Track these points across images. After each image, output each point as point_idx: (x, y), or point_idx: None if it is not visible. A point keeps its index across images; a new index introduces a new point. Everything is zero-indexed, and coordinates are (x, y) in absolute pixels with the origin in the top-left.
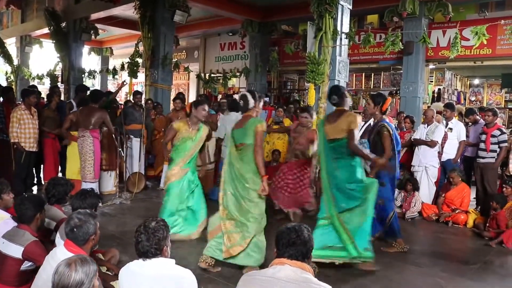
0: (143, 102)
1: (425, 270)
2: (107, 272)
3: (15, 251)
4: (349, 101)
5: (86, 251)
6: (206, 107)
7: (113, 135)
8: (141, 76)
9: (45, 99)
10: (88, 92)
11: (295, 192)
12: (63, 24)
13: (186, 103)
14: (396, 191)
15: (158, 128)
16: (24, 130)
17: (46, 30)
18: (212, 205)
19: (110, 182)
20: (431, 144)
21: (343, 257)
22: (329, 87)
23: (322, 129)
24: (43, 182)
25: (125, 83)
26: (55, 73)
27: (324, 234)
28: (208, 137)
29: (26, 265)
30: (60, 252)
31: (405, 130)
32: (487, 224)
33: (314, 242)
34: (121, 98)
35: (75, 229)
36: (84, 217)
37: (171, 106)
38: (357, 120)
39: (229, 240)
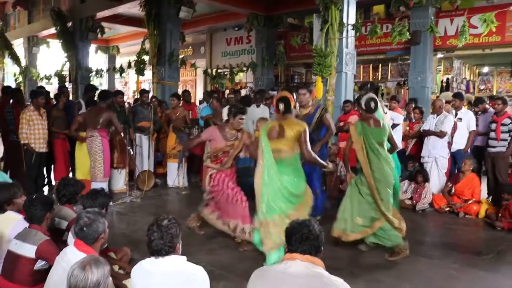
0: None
1: (436, 261)
2: (119, 270)
3: (28, 250)
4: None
5: (96, 249)
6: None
7: (122, 134)
8: (148, 73)
9: (53, 100)
10: (97, 92)
11: None
12: (69, 24)
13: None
14: (406, 182)
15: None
16: (34, 131)
17: (52, 30)
18: None
19: (121, 180)
20: (440, 134)
21: None
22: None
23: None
24: (53, 183)
25: None
26: (62, 73)
27: None
28: None
29: (40, 264)
30: (70, 252)
31: (414, 120)
32: (499, 214)
33: None
34: (128, 96)
35: (84, 228)
36: (93, 216)
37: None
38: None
39: None
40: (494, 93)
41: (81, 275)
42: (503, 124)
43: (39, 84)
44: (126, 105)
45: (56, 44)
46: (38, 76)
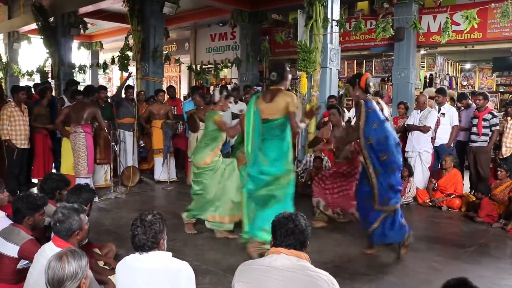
0: (134, 95)
1: (420, 254)
2: (104, 266)
3: (11, 250)
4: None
5: (73, 245)
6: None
7: (106, 130)
8: (132, 69)
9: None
10: (79, 87)
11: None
12: (51, 19)
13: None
14: None
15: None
16: (15, 127)
17: (34, 26)
18: None
19: (100, 175)
20: (424, 129)
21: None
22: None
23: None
24: (32, 179)
25: (132, 74)
26: (45, 69)
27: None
28: (195, 129)
29: (23, 263)
30: (49, 249)
31: (398, 116)
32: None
33: None
34: (112, 91)
35: (58, 224)
36: (68, 212)
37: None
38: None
39: None
40: (476, 89)
41: (58, 266)
42: (485, 119)
43: (21, 80)
44: (109, 100)
45: (37, 40)
46: (20, 72)
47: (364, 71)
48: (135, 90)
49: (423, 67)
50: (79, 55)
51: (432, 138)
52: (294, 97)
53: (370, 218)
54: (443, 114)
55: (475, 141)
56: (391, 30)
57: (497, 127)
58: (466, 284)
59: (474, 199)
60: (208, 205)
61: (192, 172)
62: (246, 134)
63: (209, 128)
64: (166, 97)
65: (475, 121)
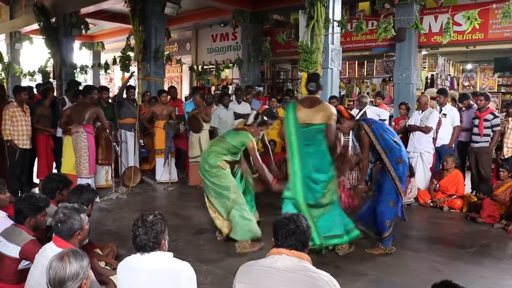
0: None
1: (421, 255)
2: (106, 266)
3: (12, 250)
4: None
5: (74, 245)
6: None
7: (107, 130)
8: (133, 69)
9: (39, 95)
10: (81, 87)
11: None
12: (53, 20)
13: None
14: None
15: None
16: (17, 127)
17: (35, 26)
18: None
19: (101, 176)
20: (425, 130)
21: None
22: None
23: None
24: (34, 179)
25: (134, 74)
26: (46, 69)
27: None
28: (199, 129)
29: (24, 264)
30: (50, 249)
31: (400, 116)
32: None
33: None
34: (113, 91)
35: (59, 224)
36: (69, 212)
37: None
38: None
39: None
40: (478, 90)
41: (60, 266)
42: (486, 120)
43: (22, 80)
44: (110, 100)
45: (39, 40)
46: (21, 72)
47: (365, 72)
48: (137, 90)
49: (425, 67)
50: (80, 55)
51: (433, 138)
52: (334, 110)
53: (388, 217)
54: (445, 114)
55: (477, 142)
56: (393, 30)
57: (499, 128)
58: (451, 285)
59: (476, 199)
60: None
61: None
62: (289, 140)
63: (232, 142)
64: (168, 97)
65: (476, 121)
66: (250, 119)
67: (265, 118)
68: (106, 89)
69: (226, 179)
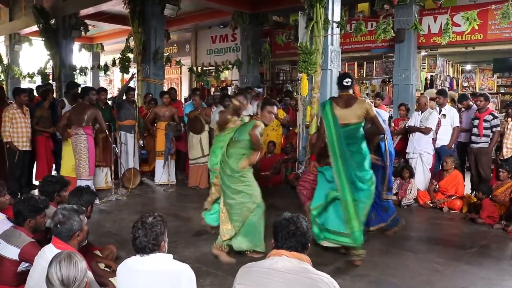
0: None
1: (421, 255)
2: (105, 268)
3: (11, 252)
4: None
5: (74, 247)
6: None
7: (107, 132)
8: (133, 71)
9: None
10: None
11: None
12: (52, 21)
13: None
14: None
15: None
16: (17, 129)
17: (35, 28)
18: None
19: (101, 178)
20: (425, 131)
21: (346, 243)
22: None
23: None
24: (34, 181)
25: (134, 75)
26: (46, 71)
27: (328, 219)
28: (201, 130)
29: (24, 266)
30: (49, 251)
31: (399, 117)
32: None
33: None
34: (113, 93)
35: (58, 225)
36: (68, 213)
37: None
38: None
39: None
40: (477, 90)
41: (71, 265)
42: (485, 120)
43: (22, 82)
44: (109, 102)
45: (38, 42)
46: (21, 74)
47: (365, 73)
48: (136, 92)
49: (424, 68)
50: (80, 57)
51: (433, 139)
52: (368, 102)
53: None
54: (444, 115)
55: (476, 142)
56: (392, 31)
57: (498, 128)
58: None
59: (475, 200)
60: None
61: (222, 182)
62: (330, 141)
63: (244, 137)
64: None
65: (476, 122)
66: (255, 109)
67: (266, 99)
68: (104, 90)
69: (251, 186)
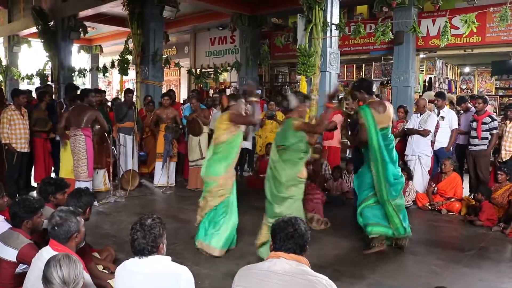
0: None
1: (420, 258)
2: (104, 270)
3: (9, 254)
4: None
5: (71, 249)
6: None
7: (106, 134)
8: (132, 73)
9: (36, 99)
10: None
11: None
12: (51, 23)
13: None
14: None
15: (148, 125)
16: (15, 130)
17: (34, 29)
18: None
19: (99, 180)
20: (424, 133)
21: (391, 235)
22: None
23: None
24: (32, 182)
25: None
26: (44, 72)
27: (375, 214)
28: (199, 132)
29: (21, 267)
30: (46, 253)
31: (398, 119)
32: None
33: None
34: (112, 95)
35: (56, 227)
36: (66, 215)
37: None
38: None
39: None
40: (475, 93)
41: (71, 265)
42: (484, 123)
43: (20, 83)
44: (109, 103)
45: (37, 43)
46: (20, 75)
47: (363, 75)
48: (135, 94)
49: (423, 70)
50: (79, 58)
51: (431, 141)
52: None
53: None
54: (443, 117)
55: (475, 145)
56: (391, 34)
57: (496, 131)
58: None
59: (474, 202)
60: None
61: (270, 194)
62: (371, 145)
63: (291, 140)
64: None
65: (474, 124)
66: (292, 103)
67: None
68: (99, 91)
69: (299, 192)
